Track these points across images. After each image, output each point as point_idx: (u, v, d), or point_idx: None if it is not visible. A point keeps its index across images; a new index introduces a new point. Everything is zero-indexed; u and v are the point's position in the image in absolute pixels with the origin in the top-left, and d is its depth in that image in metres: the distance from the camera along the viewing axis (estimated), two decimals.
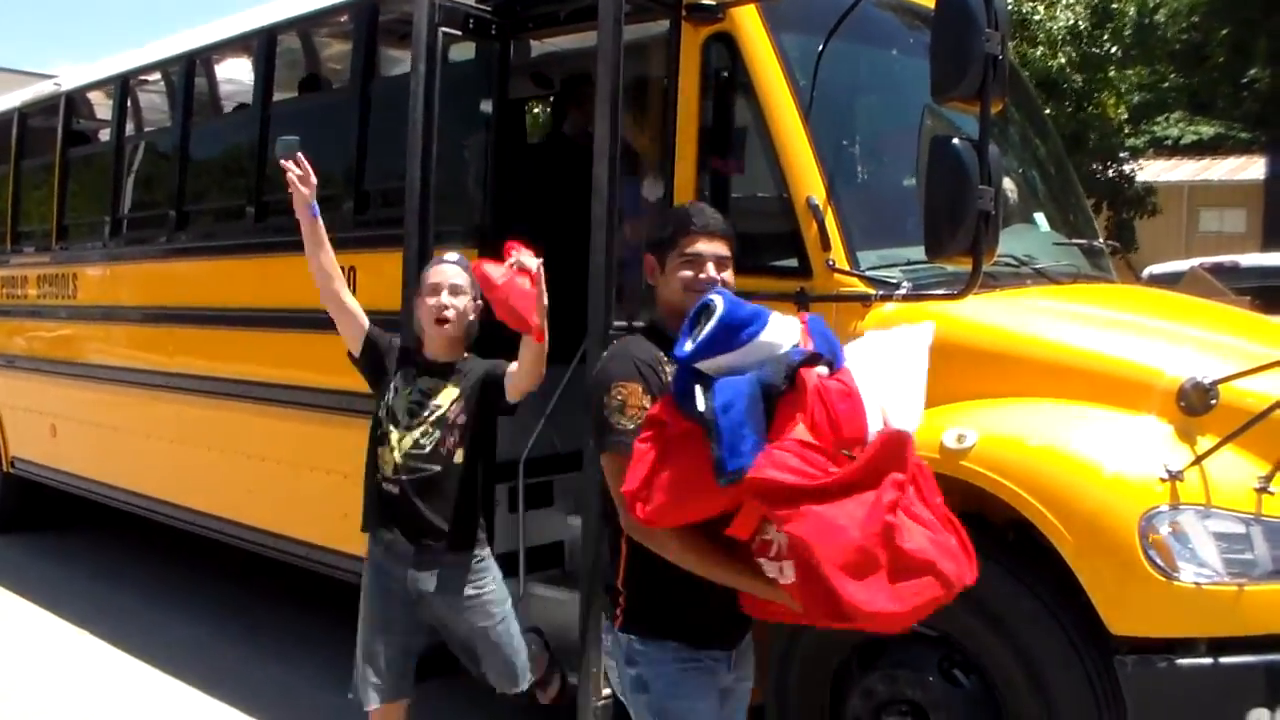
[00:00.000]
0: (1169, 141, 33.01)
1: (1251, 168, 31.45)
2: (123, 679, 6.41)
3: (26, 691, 6.23)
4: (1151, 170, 25.93)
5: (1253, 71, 24.86)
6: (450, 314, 4.21)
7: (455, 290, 4.23)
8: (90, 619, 7.38)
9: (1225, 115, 32.48)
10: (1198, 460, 3.62)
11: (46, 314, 9.21)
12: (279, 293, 6.60)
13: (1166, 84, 24.10)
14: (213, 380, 7.09)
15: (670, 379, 3.06)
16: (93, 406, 8.49)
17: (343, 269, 5.89)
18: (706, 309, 2.95)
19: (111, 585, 8.28)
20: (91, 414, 8.53)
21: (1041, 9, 18.49)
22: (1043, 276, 4.84)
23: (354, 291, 5.89)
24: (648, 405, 3.09)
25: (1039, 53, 18.19)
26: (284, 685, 6.29)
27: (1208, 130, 33.97)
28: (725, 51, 4.58)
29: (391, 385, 4.30)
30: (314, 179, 4.23)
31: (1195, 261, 13.40)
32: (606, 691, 4.55)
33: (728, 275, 3.29)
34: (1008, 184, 4.91)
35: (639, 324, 3.73)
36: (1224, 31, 23.31)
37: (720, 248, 3.30)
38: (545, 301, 3.86)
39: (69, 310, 8.87)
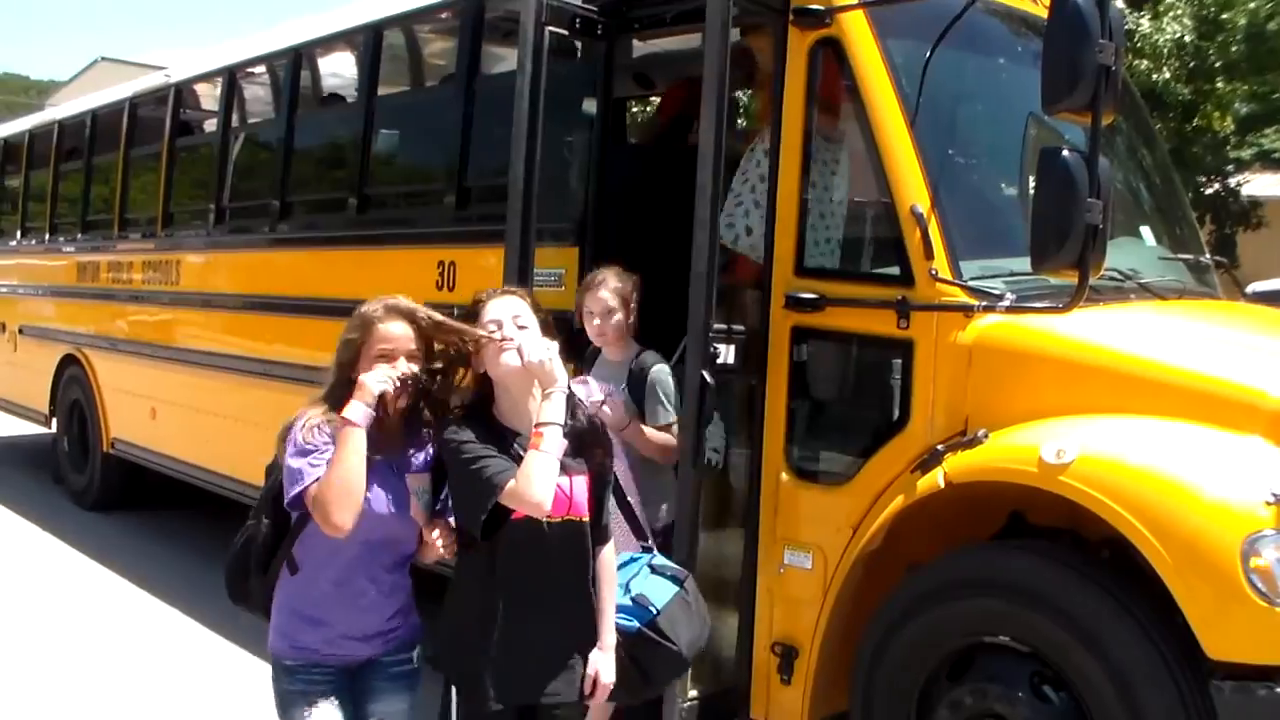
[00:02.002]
0: (1278, 155, 32.26)
1: None
2: (213, 659, 6.55)
3: (117, 665, 6.38)
4: (1259, 184, 25.35)
5: None
6: None
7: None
8: (185, 600, 7.51)
9: None
10: None
11: (150, 299, 9.40)
12: (379, 285, 6.65)
13: (1276, 95, 23.52)
14: (311, 369, 7.17)
15: None
16: (192, 391, 8.65)
17: (443, 263, 6.05)
18: None
19: (206, 566, 8.34)
20: (191, 398, 8.69)
21: (1146, 21, 18.18)
22: (1147, 291, 4.77)
23: (454, 287, 6.01)
24: None
25: (1144, 65, 17.88)
26: None
27: None
28: (832, 55, 4.56)
29: None
30: None
31: None
32: (693, 693, 4.57)
33: None
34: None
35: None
36: None
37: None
38: None
39: (172, 296, 9.05)
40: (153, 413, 9.24)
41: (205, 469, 8.50)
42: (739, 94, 8.53)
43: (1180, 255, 5.50)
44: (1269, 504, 3.51)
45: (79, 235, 10.94)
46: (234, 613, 7.07)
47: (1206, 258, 5.74)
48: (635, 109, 11.13)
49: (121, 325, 9.88)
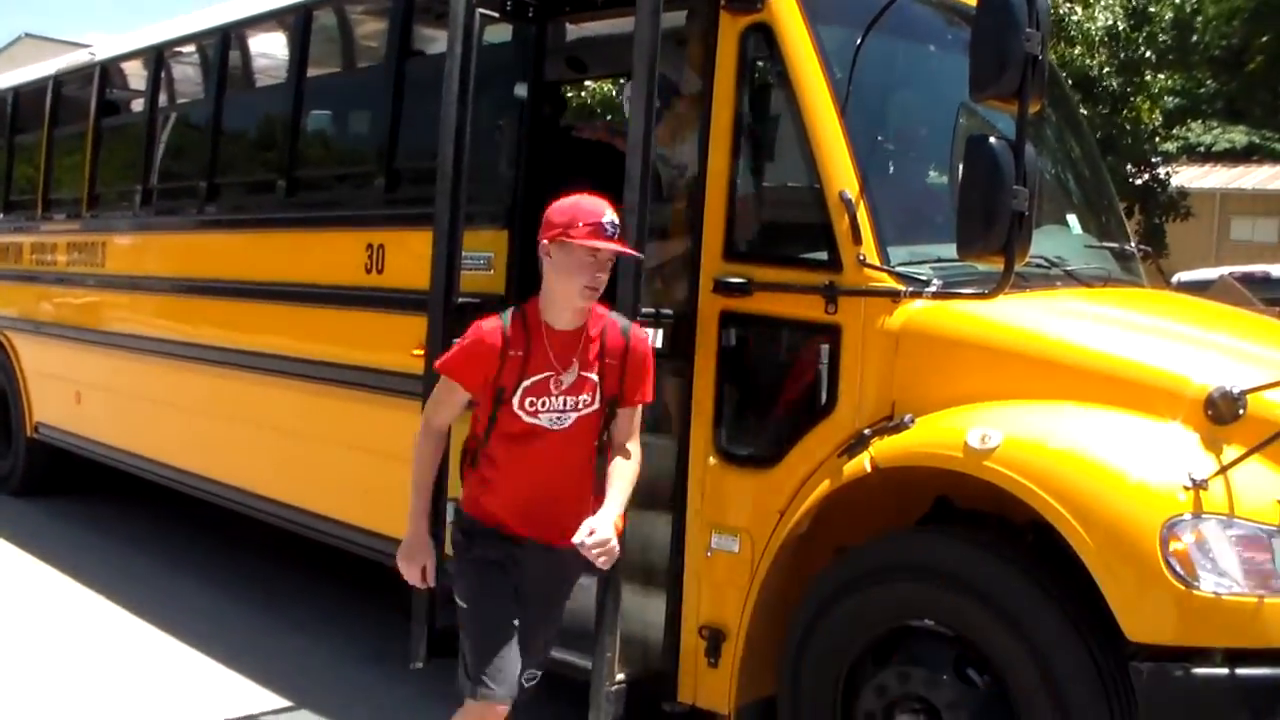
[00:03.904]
0: (1201, 148, 32.85)
1: None
2: (141, 646, 6.44)
3: (44, 655, 6.26)
4: (1183, 177, 25.80)
5: None
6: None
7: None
8: (111, 585, 7.41)
9: (1260, 123, 32.30)
10: (1223, 470, 3.60)
11: (74, 281, 9.26)
12: (307, 267, 6.64)
13: (1202, 90, 23.93)
14: (238, 353, 7.12)
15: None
16: (117, 375, 8.54)
17: (372, 246, 6.01)
18: None
19: (133, 552, 8.32)
20: (116, 382, 8.58)
21: (1080, 10, 18.40)
22: (1073, 279, 4.81)
23: (383, 270, 5.97)
24: None
25: (1077, 52, 18.12)
26: (303, 658, 6.31)
27: (1240, 139, 33.76)
28: (763, 42, 4.56)
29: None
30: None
31: (1225, 270, 13.35)
32: (620, 676, 4.57)
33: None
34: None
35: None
36: (1264, 38, 23.14)
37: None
38: None
39: (97, 278, 8.92)
40: (77, 397, 9.10)
41: (131, 453, 8.39)
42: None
43: (1106, 244, 5.55)
44: (1188, 489, 3.56)
45: (0, 216, 10.76)
46: (162, 600, 7.05)
47: (1132, 246, 5.81)
48: (570, 94, 11.11)
49: (46, 308, 9.72)
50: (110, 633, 6.65)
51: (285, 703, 5.69)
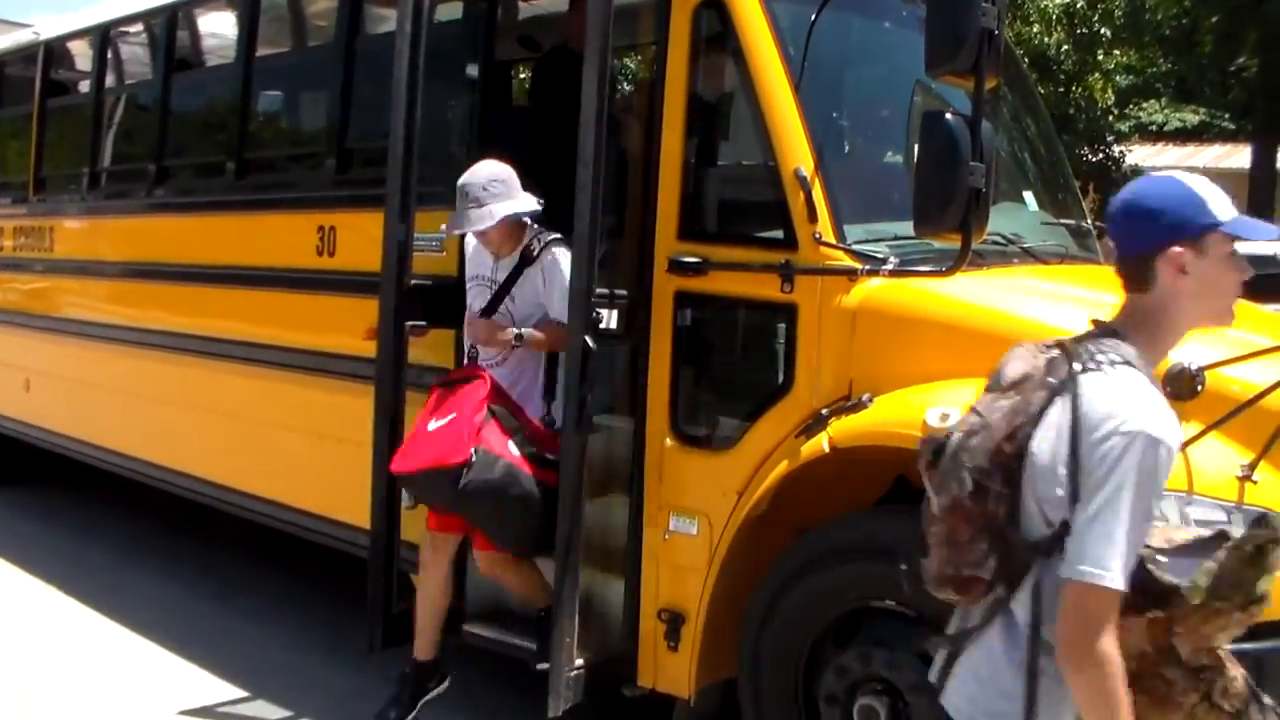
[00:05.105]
0: (1154, 127, 33.12)
1: (1236, 156, 31.52)
2: (94, 638, 6.37)
3: None
4: (1137, 155, 25.97)
5: (1241, 60, 24.89)
6: None
7: None
8: (61, 575, 7.32)
9: (1210, 103, 32.58)
10: (1181, 447, 3.57)
11: (21, 266, 9.11)
12: (258, 250, 6.55)
13: (1154, 69, 24.06)
14: (188, 338, 7.03)
15: None
16: (67, 361, 8.41)
17: (323, 228, 5.93)
18: None
19: (84, 541, 8.21)
20: (66, 369, 8.45)
21: None
22: (1030, 256, 4.79)
23: (334, 253, 5.90)
24: None
25: (1034, 30, 18.18)
26: (258, 647, 6.24)
27: (1192, 118, 34.07)
28: (716, 18, 4.50)
29: None
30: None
31: None
32: (579, 661, 4.53)
33: None
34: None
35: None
36: (1214, 19, 23.30)
37: None
38: None
39: (45, 263, 8.78)
40: (26, 384, 8.96)
41: (82, 440, 8.27)
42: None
43: (1062, 220, 5.55)
44: None
45: None
46: (114, 590, 6.96)
47: (1088, 223, 5.80)
48: (523, 75, 10.99)
49: None
50: (61, 624, 6.56)
51: (241, 693, 5.63)
